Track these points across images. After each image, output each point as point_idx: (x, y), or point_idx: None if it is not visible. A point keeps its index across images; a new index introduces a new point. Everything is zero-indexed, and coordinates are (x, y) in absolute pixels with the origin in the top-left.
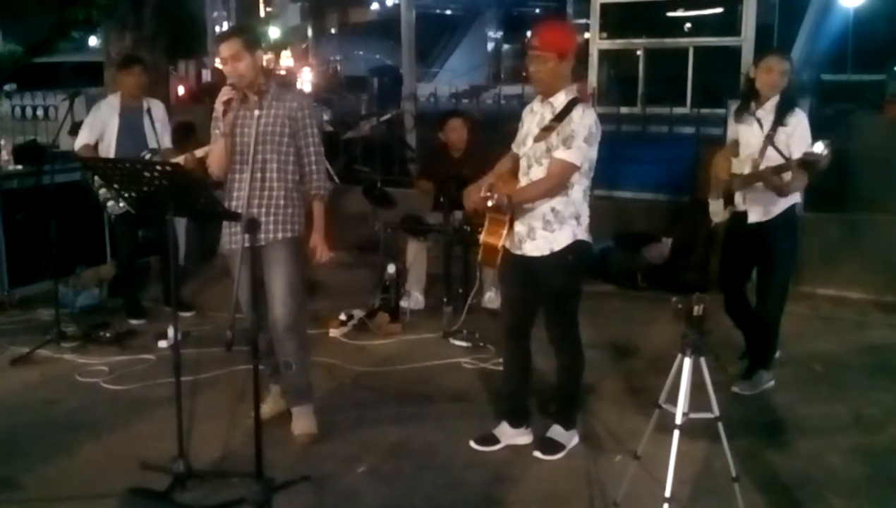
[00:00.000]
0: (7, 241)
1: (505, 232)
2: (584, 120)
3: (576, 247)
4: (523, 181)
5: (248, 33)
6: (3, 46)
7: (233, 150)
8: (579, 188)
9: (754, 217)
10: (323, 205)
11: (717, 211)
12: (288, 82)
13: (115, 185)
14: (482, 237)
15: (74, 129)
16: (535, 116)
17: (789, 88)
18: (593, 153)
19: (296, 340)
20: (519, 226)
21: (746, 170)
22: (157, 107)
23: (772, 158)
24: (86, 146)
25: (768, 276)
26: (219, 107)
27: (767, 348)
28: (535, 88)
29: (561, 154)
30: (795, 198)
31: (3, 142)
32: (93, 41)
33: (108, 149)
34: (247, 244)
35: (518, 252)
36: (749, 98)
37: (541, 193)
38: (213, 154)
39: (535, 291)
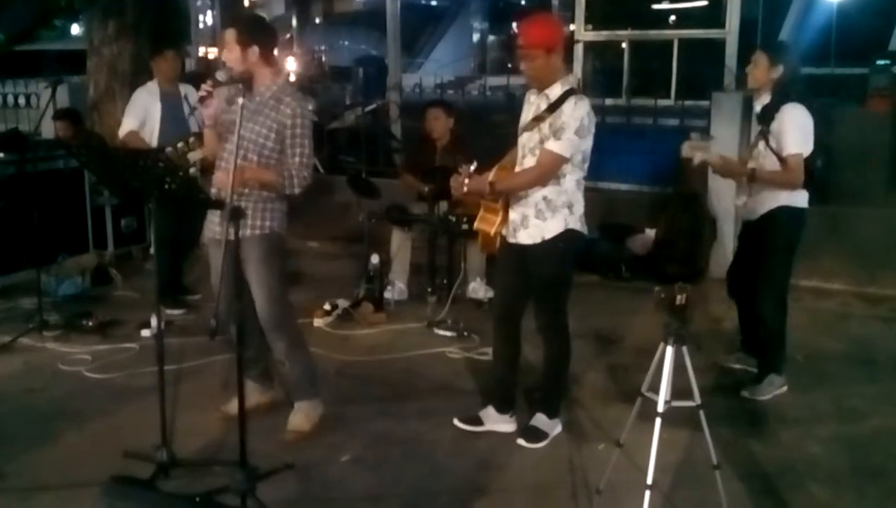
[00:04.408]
0: None
1: (498, 219)
2: (576, 112)
3: (566, 235)
4: (517, 170)
5: (244, 25)
6: None
7: (222, 140)
8: (571, 178)
9: (744, 213)
10: (275, 182)
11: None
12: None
13: (100, 172)
14: (476, 223)
15: (60, 115)
16: (531, 107)
17: (781, 83)
18: (586, 144)
19: (283, 339)
20: (513, 215)
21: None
22: (193, 93)
23: (765, 153)
24: (132, 132)
25: (760, 274)
26: (197, 102)
27: (775, 353)
28: (529, 84)
29: (551, 145)
30: (785, 200)
31: None
32: (75, 29)
33: (152, 136)
34: (230, 233)
35: (512, 240)
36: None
37: (526, 183)
38: (207, 146)
39: (527, 279)
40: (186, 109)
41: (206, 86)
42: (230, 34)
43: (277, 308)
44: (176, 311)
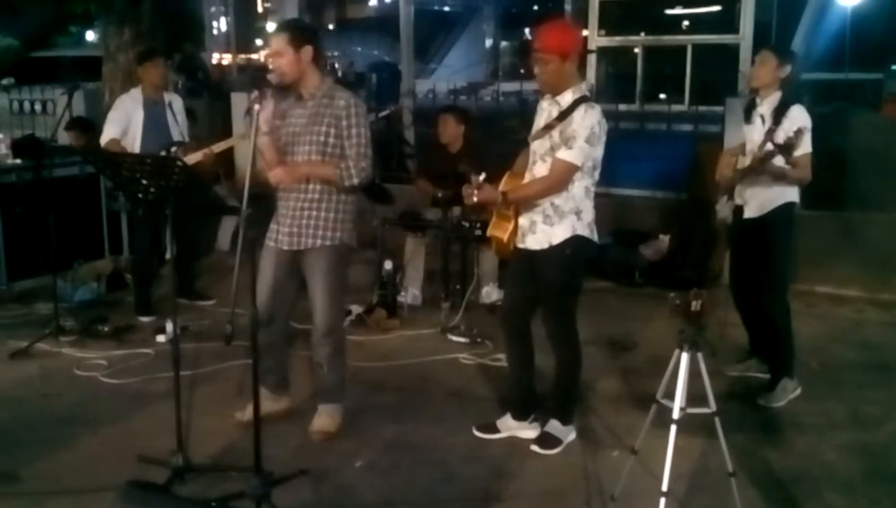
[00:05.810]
0: (5, 235)
1: (511, 226)
2: (586, 120)
3: (574, 241)
4: (528, 177)
5: (296, 29)
6: (1, 41)
7: (280, 149)
8: (580, 185)
9: (749, 212)
10: (332, 174)
11: (720, 207)
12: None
13: (120, 180)
14: (489, 229)
15: (71, 125)
16: (543, 113)
17: (789, 85)
18: (597, 152)
19: (331, 345)
20: (523, 220)
21: (747, 164)
22: (177, 101)
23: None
24: (113, 140)
25: (764, 273)
26: (249, 104)
27: (785, 354)
28: (541, 89)
29: (563, 154)
30: (792, 196)
31: (1, 137)
32: (90, 36)
33: (134, 143)
34: (241, 239)
35: (522, 245)
36: (754, 94)
37: (539, 192)
38: (265, 156)
39: (535, 285)
40: (170, 117)
41: (255, 95)
42: (281, 38)
43: (335, 315)
44: (147, 318)
